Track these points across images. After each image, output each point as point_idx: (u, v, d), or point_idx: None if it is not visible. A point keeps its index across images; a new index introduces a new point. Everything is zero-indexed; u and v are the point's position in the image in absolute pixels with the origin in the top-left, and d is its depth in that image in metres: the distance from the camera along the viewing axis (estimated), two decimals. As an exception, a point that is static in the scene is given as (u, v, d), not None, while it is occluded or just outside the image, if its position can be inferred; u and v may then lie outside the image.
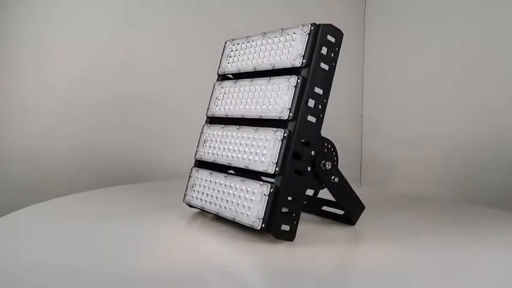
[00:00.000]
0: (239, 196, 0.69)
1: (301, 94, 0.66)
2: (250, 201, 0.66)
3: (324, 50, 0.67)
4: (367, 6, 1.58)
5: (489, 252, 0.65)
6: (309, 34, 0.67)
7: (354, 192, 0.74)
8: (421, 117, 1.35)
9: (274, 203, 0.64)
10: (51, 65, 1.26)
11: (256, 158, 0.68)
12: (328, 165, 0.68)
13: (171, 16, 1.38)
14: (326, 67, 0.67)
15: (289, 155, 0.65)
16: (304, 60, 0.66)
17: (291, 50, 0.69)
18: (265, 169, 0.66)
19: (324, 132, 0.69)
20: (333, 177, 0.70)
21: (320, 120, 0.67)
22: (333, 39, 0.68)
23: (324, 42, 0.67)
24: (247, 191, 0.68)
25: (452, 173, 1.22)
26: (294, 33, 0.69)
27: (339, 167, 0.71)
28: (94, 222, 0.76)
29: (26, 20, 1.23)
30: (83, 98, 1.29)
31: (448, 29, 1.26)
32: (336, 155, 0.71)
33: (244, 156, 0.70)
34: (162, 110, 1.38)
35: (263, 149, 0.67)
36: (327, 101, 0.68)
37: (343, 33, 0.69)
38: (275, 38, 0.72)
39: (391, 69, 1.47)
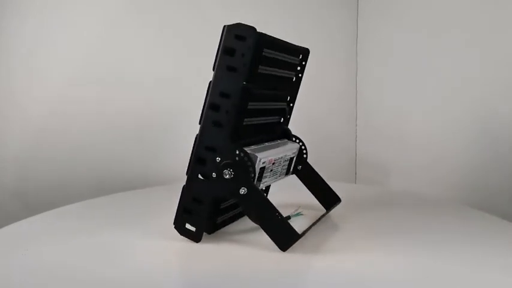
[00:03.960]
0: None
1: (208, 99, 0.65)
2: (184, 198, 0.73)
3: (231, 52, 0.63)
4: (360, 1, 1.51)
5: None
6: (221, 36, 0.65)
7: (279, 215, 0.63)
8: (416, 116, 1.29)
9: (179, 202, 0.69)
10: (44, 67, 1.22)
11: (196, 159, 0.72)
12: (228, 175, 0.64)
13: (165, 20, 1.32)
14: (234, 70, 0.63)
15: (193, 158, 0.67)
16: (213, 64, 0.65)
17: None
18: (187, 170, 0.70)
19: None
20: (240, 189, 0.64)
21: (228, 126, 0.64)
22: (242, 39, 0.62)
23: (229, 43, 0.63)
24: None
25: (448, 172, 1.17)
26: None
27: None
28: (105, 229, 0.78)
29: (20, 19, 1.18)
30: (75, 101, 1.24)
31: (446, 23, 1.17)
32: (252, 166, 0.64)
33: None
34: (157, 115, 1.33)
35: (194, 151, 0.71)
36: (237, 107, 0.64)
37: (255, 31, 0.62)
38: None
39: (385, 68, 1.42)
